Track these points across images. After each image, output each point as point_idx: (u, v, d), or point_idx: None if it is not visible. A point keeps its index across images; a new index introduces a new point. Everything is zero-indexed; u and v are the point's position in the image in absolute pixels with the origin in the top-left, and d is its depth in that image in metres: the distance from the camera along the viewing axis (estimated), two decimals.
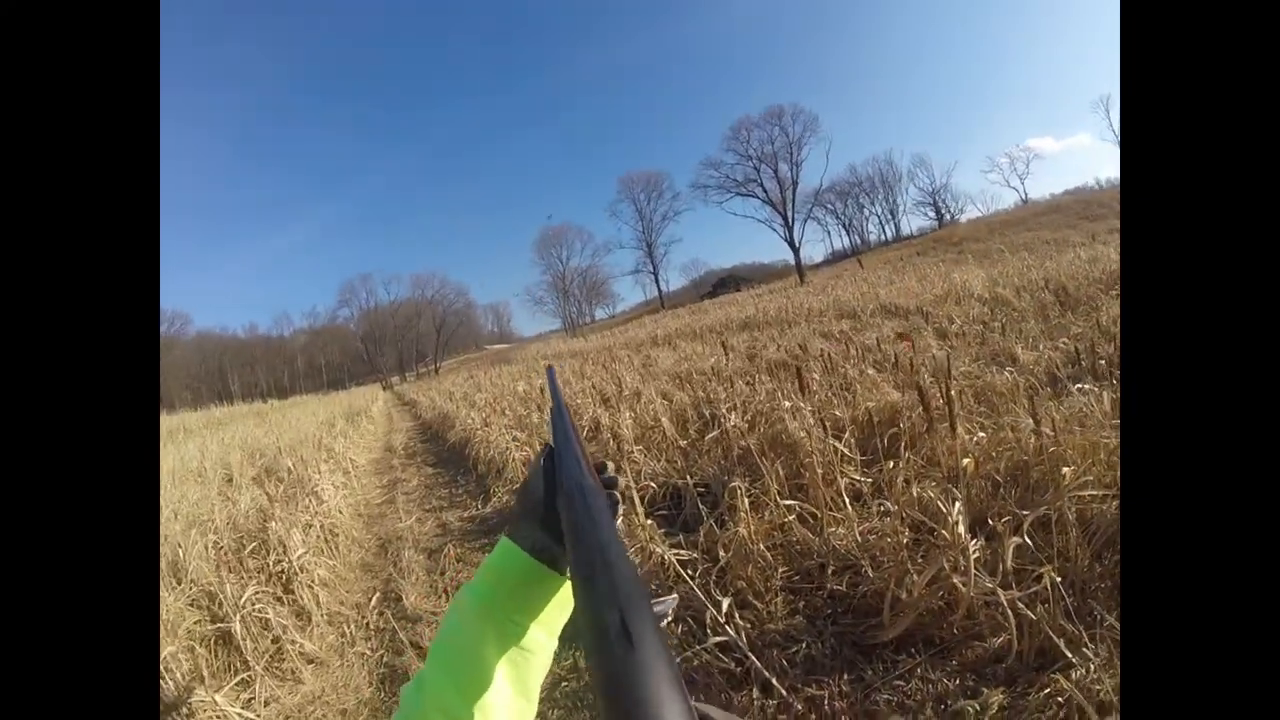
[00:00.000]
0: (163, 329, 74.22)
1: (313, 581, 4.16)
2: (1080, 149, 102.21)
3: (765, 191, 60.34)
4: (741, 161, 61.43)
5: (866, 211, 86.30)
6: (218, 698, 2.76)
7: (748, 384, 5.77)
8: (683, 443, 4.81)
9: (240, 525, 5.08)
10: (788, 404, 4.40)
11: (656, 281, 72.60)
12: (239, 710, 2.78)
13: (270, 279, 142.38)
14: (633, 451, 4.52)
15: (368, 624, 3.78)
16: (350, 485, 7.66)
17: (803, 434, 3.87)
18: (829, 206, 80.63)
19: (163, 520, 5.13)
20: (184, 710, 2.72)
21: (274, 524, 4.56)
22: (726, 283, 72.85)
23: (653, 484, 4.13)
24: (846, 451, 3.59)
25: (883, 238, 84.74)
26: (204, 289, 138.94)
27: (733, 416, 4.45)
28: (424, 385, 34.97)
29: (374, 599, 4.07)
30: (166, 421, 28.96)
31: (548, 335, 76.67)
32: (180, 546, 4.21)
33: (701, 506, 3.61)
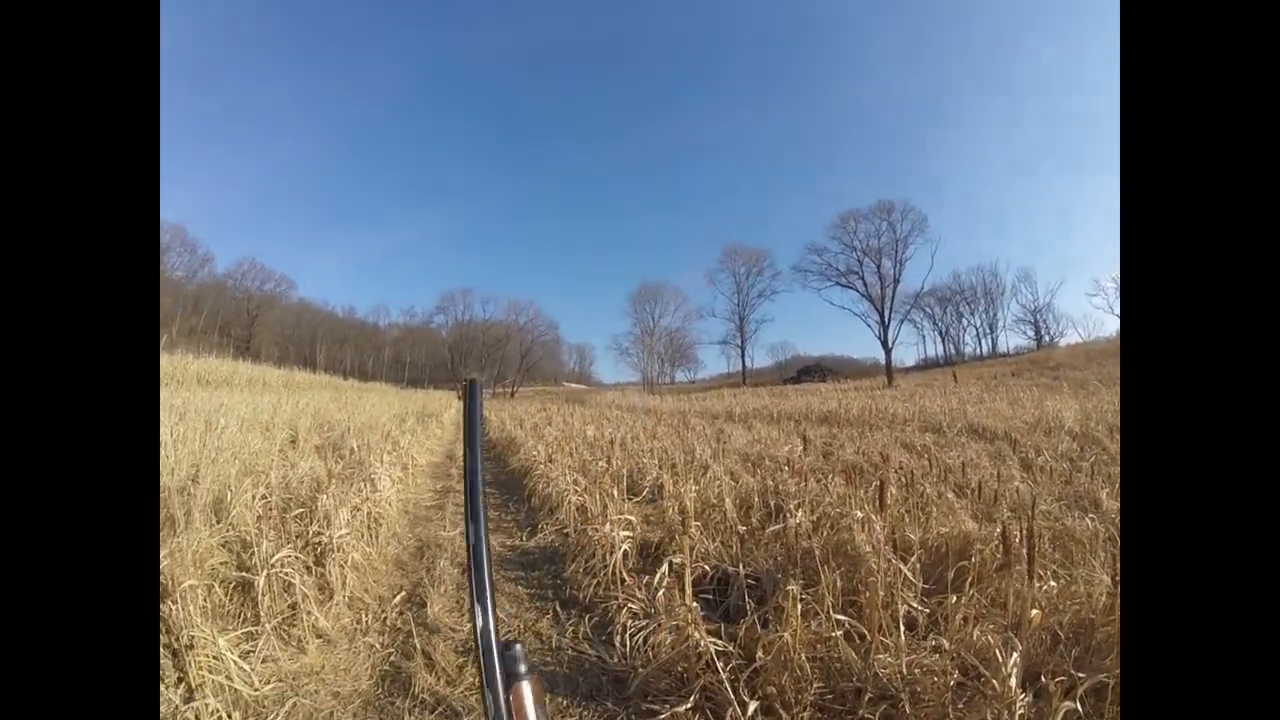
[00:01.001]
0: (267, 288, 78.82)
1: (345, 562, 4.18)
2: None
3: (865, 285, 59.75)
4: (845, 251, 61.02)
5: (965, 321, 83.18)
6: (221, 640, 2.76)
7: (819, 482, 5.56)
8: (742, 528, 4.62)
9: (293, 488, 5.19)
10: (859, 514, 4.20)
11: (742, 356, 71.96)
12: (236, 658, 2.77)
13: (378, 270, 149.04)
14: (691, 527, 4.38)
15: (385, 619, 3.75)
16: (406, 482, 7.77)
17: (869, 549, 3.69)
18: (927, 310, 78.41)
19: (219, 460, 5.30)
20: (183, 639, 2.72)
21: (325, 497, 4.63)
22: (812, 370, 71.40)
23: (705, 565, 3.98)
24: (910, 576, 3.39)
25: (978, 351, 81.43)
26: (315, 264, 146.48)
27: (799, 513, 4.28)
28: (498, 405, 35.65)
29: (399, 596, 4.06)
30: (248, 370, 30.32)
31: (625, 386, 76.86)
32: (231, 490, 4.34)
33: (748, 600, 3.45)
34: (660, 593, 3.45)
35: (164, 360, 24.40)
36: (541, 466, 7.43)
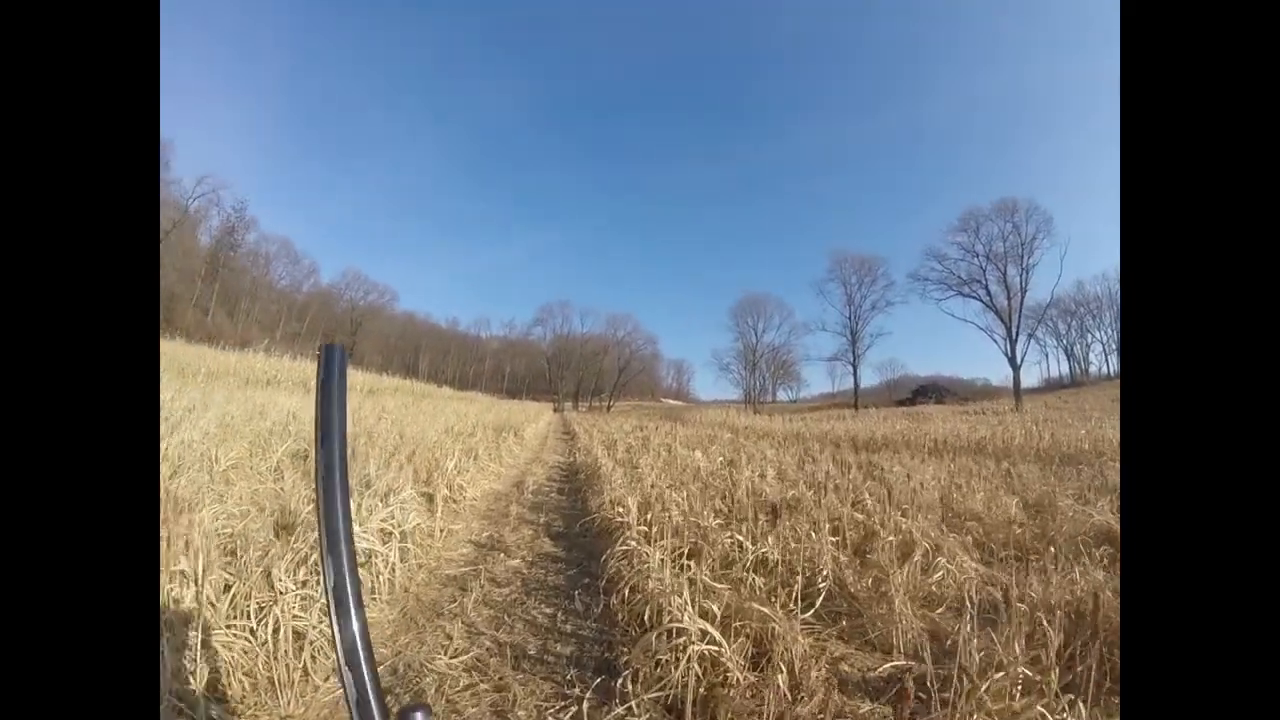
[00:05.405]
0: (371, 299, 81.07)
1: None
2: None
3: (989, 295, 52.80)
4: (967, 257, 54.10)
5: (1090, 337, 75.93)
6: None
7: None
8: None
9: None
10: None
11: (855, 374, 63.56)
12: None
13: (482, 284, 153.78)
14: None
15: None
16: (431, 535, 5.21)
17: None
18: (1050, 324, 70.45)
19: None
20: None
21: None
22: (927, 391, 66.63)
23: None
24: None
25: (1104, 370, 74.30)
26: (423, 279, 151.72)
27: None
28: (592, 419, 33.19)
29: None
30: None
31: (725, 404, 73.11)
32: None
33: None
34: None
35: (233, 357, 23.74)
36: (632, 540, 4.29)
